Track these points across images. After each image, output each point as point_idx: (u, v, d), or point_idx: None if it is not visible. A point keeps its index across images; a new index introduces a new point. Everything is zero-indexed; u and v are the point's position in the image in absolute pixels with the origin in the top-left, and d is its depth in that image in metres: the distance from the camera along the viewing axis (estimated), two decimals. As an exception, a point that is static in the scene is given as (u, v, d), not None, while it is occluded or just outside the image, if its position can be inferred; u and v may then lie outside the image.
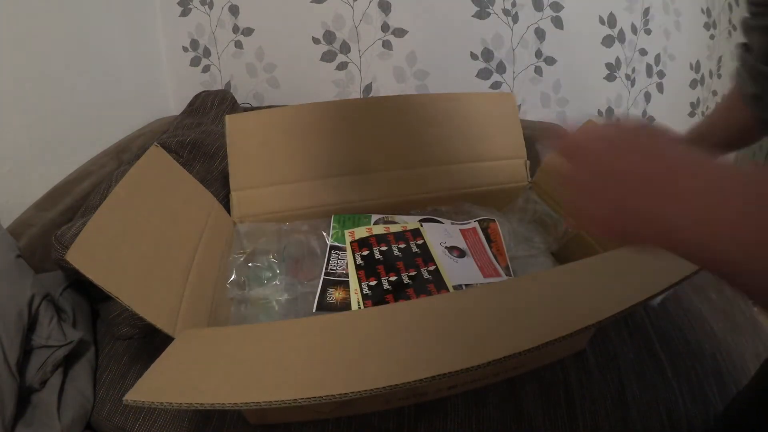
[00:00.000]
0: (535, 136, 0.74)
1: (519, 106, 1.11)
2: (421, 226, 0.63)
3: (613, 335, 0.58)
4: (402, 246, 0.60)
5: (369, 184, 0.66)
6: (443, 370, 0.29)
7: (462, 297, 0.41)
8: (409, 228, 0.62)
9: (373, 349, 0.34)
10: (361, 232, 0.62)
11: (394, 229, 0.63)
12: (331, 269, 0.58)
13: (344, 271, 0.57)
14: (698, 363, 0.55)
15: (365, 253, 0.59)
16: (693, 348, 0.57)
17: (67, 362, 0.52)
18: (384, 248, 0.60)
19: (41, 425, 0.47)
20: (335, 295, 0.55)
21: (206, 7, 1.06)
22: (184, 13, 1.07)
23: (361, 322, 0.39)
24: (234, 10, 1.06)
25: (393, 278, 0.55)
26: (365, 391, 0.29)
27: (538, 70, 1.09)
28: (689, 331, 0.59)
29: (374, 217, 0.65)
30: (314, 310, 0.53)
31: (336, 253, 0.60)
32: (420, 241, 0.60)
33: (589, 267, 0.45)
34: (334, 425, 0.49)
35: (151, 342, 0.57)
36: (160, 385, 0.32)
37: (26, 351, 0.48)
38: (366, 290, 0.54)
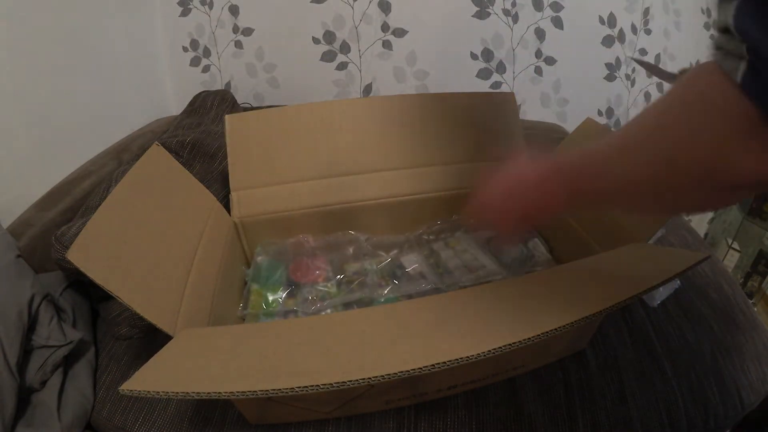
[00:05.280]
0: (535, 136, 0.74)
1: (519, 106, 1.11)
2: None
3: (613, 335, 0.58)
4: None
5: (369, 184, 0.66)
6: (441, 359, 0.30)
7: (461, 295, 0.41)
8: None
9: (371, 343, 0.35)
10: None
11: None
12: None
13: None
14: (698, 363, 0.55)
15: None
16: (693, 348, 0.57)
17: (67, 362, 0.52)
18: None
19: (41, 425, 0.47)
20: None
21: (206, 7, 1.06)
22: (184, 13, 1.07)
23: (360, 319, 0.39)
24: (234, 10, 1.06)
25: None
26: (363, 379, 0.29)
27: (538, 70, 1.09)
28: (689, 331, 0.59)
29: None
30: None
31: None
32: None
33: (588, 265, 0.45)
34: (334, 426, 0.49)
35: (151, 342, 0.57)
36: (157, 377, 0.32)
37: (26, 351, 0.48)
38: None
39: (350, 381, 0.29)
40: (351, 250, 0.65)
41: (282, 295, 0.59)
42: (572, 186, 0.38)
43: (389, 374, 0.29)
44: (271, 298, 0.58)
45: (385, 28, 1.04)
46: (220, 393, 0.29)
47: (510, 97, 0.72)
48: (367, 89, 1.11)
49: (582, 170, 0.37)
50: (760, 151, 0.23)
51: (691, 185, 0.28)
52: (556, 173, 0.39)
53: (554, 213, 0.42)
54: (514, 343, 0.31)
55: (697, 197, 0.29)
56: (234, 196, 0.63)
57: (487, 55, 1.06)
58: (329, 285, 0.60)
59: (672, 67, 1.15)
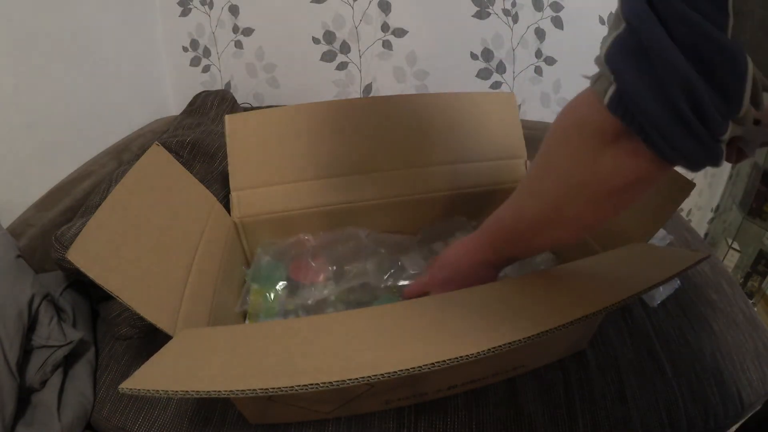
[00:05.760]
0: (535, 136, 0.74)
1: (519, 106, 1.11)
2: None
3: (613, 335, 0.58)
4: None
5: (369, 184, 0.66)
6: (441, 359, 0.30)
7: (461, 294, 0.41)
8: None
9: (371, 343, 0.35)
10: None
11: None
12: None
13: None
14: (698, 363, 0.55)
15: None
16: (693, 348, 0.57)
17: (67, 362, 0.52)
18: None
19: (41, 425, 0.47)
20: None
21: (206, 7, 1.06)
22: (184, 13, 1.07)
23: (360, 319, 0.40)
24: (234, 10, 1.06)
25: None
26: (363, 378, 0.29)
27: (538, 70, 1.09)
28: (689, 331, 0.59)
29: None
30: None
31: None
32: None
33: (588, 265, 0.45)
34: (334, 425, 0.49)
35: (151, 342, 0.57)
36: (156, 376, 0.32)
37: (26, 351, 0.48)
38: None
39: (350, 380, 0.29)
40: (351, 245, 0.65)
41: (282, 294, 0.59)
42: (497, 241, 0.44)
43: (389, 373, 0.29)
44: (271, 297, 0.58)
45: (385, 28, 1.04)
46: (220, 392, 0.29)
47: (510, 97, 0.72)
48: (367, 89, 1.11)
49: (499, 221, 0.42)
50: (628, 154, 0.29)
51: (585, 197, 0.33)
52: (482, 240, 0.45)
53: (492, 268, 0.47)
54: (514, 342, 0.31)
55: (594, 208, 0.34)
56: (234, 196, 0.63)
57: (487, 55, 1.06)
58: (329, 284, 0.60)
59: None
